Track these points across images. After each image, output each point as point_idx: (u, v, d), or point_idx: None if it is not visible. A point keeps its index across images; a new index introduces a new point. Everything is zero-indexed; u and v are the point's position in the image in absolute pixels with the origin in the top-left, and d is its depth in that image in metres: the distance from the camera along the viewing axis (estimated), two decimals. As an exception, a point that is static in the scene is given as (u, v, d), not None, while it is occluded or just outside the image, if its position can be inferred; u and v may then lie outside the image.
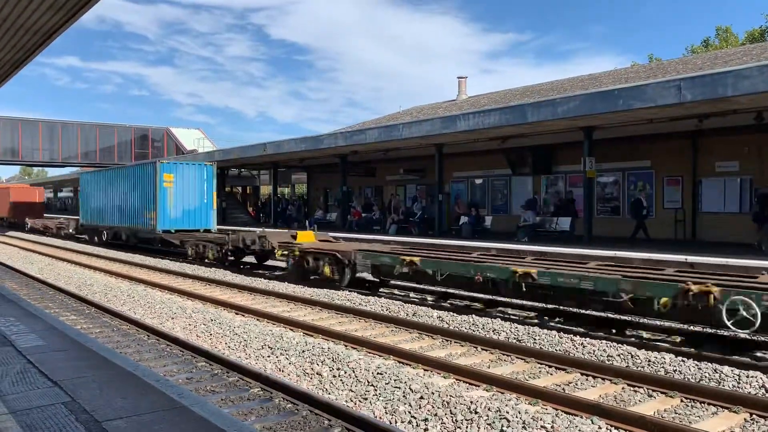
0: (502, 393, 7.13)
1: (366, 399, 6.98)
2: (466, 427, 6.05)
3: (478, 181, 28.73)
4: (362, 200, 33.38)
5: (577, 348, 9.11)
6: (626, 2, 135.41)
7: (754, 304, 8.01)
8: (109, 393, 5.37)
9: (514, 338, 9.88)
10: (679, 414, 6.60)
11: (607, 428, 6.05)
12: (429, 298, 13.90)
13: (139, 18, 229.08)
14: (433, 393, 6.90)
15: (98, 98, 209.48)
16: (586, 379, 7.82)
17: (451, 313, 11.71)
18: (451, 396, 6.78)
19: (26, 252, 28.88)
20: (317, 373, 8.01)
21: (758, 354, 8.77)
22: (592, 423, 6.12)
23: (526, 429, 5.94)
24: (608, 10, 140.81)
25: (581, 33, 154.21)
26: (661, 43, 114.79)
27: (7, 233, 42.23)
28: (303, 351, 9.02)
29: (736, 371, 7.68)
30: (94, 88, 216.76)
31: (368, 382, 7.51)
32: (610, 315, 10.57)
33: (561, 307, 11.40)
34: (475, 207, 25.79)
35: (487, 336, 10.03)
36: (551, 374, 8.11)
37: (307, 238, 18.29)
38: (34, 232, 43.20)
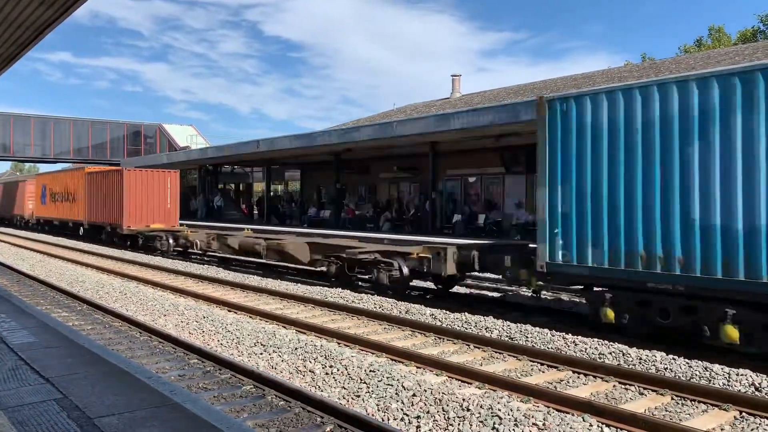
0: (495, 390, 7.16)
1: (359, 396, 6.99)
2: (459, 424, 6.07)
3: (472, 179, 28.75)
4: (356, 198, 33.38)
5: (569, 346, 9.15)
6: (621, 2, 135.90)
7: None
8: (101, 390, 5.37)
9: (507, 336, 9.91)
10: (670, 412, 6.65)
11: (598, 426, 6.08)
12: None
13: (133, 14, 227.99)
14: (425, 390, 6.92)
15: (91, 94, 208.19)
16: (578, 377, 7.86)
17: (444, 311, 11.73)
18: (443, 393, 6.80)
19: (17, 248, 28.74)
20: (310, 371, 8.01)
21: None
22: (584, 420, 6.16)
23: (517, 426, 5.97)
24: (603, 9, 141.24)
25: (576, 32, 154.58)
26: (655, 42, 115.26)
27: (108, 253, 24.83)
28: (296, 348, 9.02)
29: (726, 369, 7.73)
30: (87, 84, 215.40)
31: (361, 379, 7.52)
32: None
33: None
34: (491, 204, 25.63)
35: (480, 334, 10.05)
36: (543, 372, 8.15)
37: None
38: (191, 257, 24.57)
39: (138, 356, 8.72)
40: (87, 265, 20.88)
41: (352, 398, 6.97)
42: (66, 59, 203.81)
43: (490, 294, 14.28)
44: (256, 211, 38.70)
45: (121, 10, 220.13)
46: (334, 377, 7.72)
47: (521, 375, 8.00)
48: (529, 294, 12.89)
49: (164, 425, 4.52)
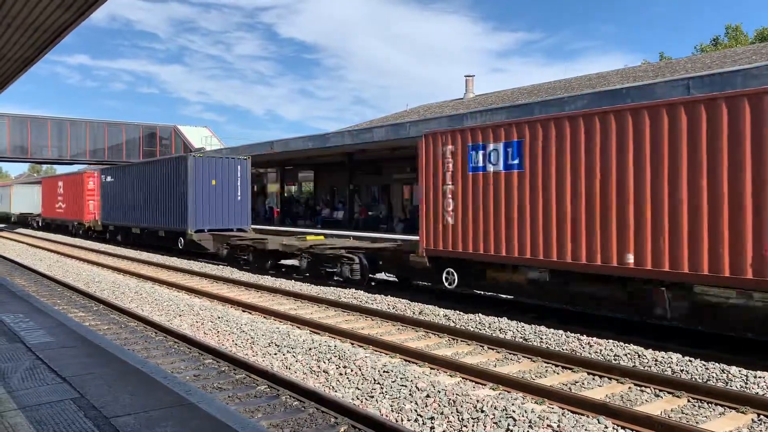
0: (509, 392, 7.13)
1: (372, 397, 7.00)
2: (473, 425, 6.05)
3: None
4: (369, 199, 33.38)
5: (583, 347, 9.10)
6: (637, 1, 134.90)
7: None
8: (118, 389, 5.41)
9: (521, 337, 9.87)
10: (686, 414, 6.59)
11: (613, 428, 6.04)
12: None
13: (149, 16, 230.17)
14: (439, 391, 6.91)
15: (108, 96, 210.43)
16: (593, 379, 7.81)
17: (458, 312, 11.71)
18: (457, 394, 6.79)
19: (35, 249, 29.05)
20: (324, 371, 8.03)
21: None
22: (599, 422, 6.11)
23: (532, 428, 5.94)
24: (618, 8, 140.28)
25: (591, 32, 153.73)
26: (671, 41, 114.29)
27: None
28: (309, 349, 9.04)
29: (744, 371, 7.65)
30: (104, 86, 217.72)
31: (374, 380, 7.52)
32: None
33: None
34: None
35: (494, 335, 10.02)
36: (558, 374, 8.11)
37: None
38: None
39: (154, 356, 8.78)
40: (103, 266, 21.06)
41: (366, 399, 6.97)
42: (84, 62, 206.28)
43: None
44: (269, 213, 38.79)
45: (138, 13, 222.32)
46: (347, 378, 7.73)
47: (535, 376, 7.96)
48: None
49: (180, 425, 4.55)
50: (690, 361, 8.18)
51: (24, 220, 52.12)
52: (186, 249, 22.90)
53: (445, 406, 6.52)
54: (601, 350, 8.90)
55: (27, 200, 53.25)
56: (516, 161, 10.89)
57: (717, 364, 8.00)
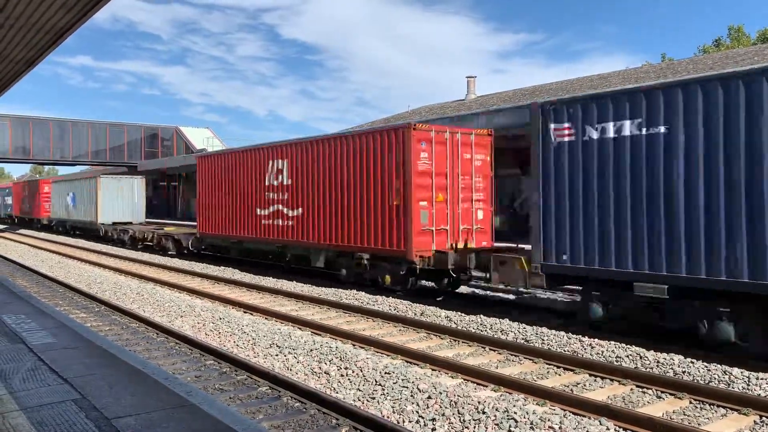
0: (510, 393, 7.13)
1: (374, 398, 6.99)
2: (474, 427, 6.04)
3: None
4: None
5: (585, 349, 9.08)
6: (639, 2, 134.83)
7: None
8: (119, 390, 5.42)
9: (522, 339, 9.86)
10: (688, 415, 6.58)
11: (615, 429, 6.03)
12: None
13: (152, 17, 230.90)
14: (440, 393, 6.90)
15: (110, 97, 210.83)
16: (595, 380, 7.80)
17: (460, 313, 11.70)
18: (458, 396, 6.78)
19: (37, 250, 29.08)
20: (325, 372, 8.02)
21: None
22: (600, 424, 6.10)
23: (533, 429, 5.93)
24: (620, 9, 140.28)
25: (593, 33, 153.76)
26: (673, 42, 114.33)
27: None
28: (311, 350, 9.04)
29: (746, 373, 7.64)
30: (106, 87, 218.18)
31: (376, 381, 7.52)
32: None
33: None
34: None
35: (495, 336, 10.01)
36: (559, 375, 8.10)
37: None
38: None
39: (155, 357, 8.78)
40: (105, 267, 21.08)
41: (368, 400, 6.97)
42: (86, 63, 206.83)
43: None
44: None
45: (141, 14, 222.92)
46: (349, 379, 7.72)
47: (537, 378, 7.96)
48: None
49: (181, 426, 4.55)
50: (692, 362, 8.16)
51: (126, 238, 29.55)
52: None
53: (446, 408, 6.51)
54: (602, 351, 8.88)
55: (125, 202, 34.22)
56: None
57: (719, 365, 7.98)
